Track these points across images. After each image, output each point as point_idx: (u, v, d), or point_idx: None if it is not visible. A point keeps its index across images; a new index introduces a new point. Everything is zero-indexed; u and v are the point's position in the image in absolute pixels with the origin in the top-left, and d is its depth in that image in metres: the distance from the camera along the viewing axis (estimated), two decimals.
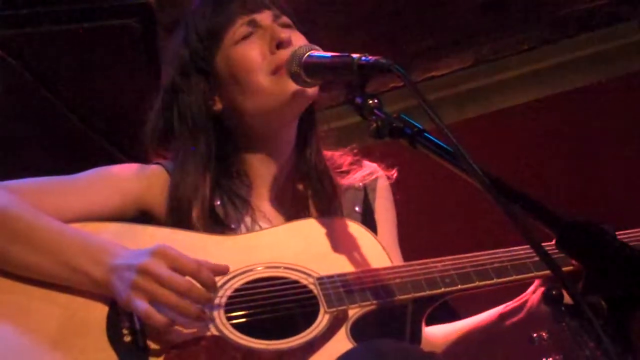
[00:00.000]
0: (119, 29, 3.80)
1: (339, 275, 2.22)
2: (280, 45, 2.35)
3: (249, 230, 2.37)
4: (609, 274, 1.53)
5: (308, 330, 2.13)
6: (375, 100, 2.03)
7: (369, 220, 2.46)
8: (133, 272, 2.05)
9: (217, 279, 2.13)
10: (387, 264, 2.28)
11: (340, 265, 2.25)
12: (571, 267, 2.10)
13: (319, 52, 2.26)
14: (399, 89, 4.52)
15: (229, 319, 2.13)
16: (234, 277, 2.19)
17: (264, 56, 2.35)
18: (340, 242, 2.30)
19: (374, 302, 2.17)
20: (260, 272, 2.22)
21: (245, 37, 2.38)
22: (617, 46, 5.06)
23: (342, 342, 2.11)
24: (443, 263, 2.26)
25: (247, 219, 2.38)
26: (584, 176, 4.87)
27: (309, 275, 2.22)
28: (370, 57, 2.04)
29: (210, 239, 2.28)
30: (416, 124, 1.94)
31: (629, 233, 2.28)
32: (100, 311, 2.13)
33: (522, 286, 2.32)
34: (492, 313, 2.41)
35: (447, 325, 2.50)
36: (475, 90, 5.11)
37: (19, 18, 3.76)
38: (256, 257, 2.24)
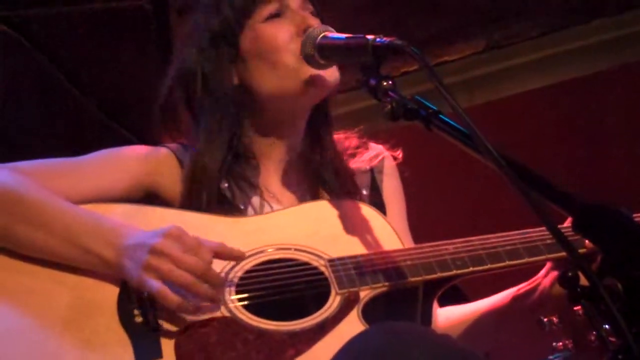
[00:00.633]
0: (130, 11, 3.80)
1: (350, 257, 2.21)
2: (307, 30, 2.33)
3: (256, 211, 2.36)
4: (625, 256, 1.52)
5: (319, 312, 2.13)
6: (390, 82, 2.02)
7: (377, 202, 2.45)
8: (146, 253, 2.05)
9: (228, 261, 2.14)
10: (398, 246, 2.27)
11: (351, 247, 2.25)
12: (584, 250, 2.10)
13: (333, 34, 2.25)
14: (410, 74, 4.51)
15: (240, 300, 2.13)
16: (245, 258, 2.18)
17: (292, 38, 2.33)
18: (351, 224, 2.29)
19: (385, 284, 2.17)
20: (271, 254, 2.22)
21: (273, 16, 2.37)
22: (629, 33, 5.04)
23: (353, 323, 2.11)
24: (454, 245, 2.25)
25: (255, 200, 2.38)
26: (595, 163, 4.86)
27: (320, 257, 2.22)
28: (385, 39, 2.03)
29: (221, 220, 2.27)
30: (431, 106, 1.94)
31: None
32: (110, 292, 2.13)
33: (533, 269, 2.31)
34: (505, 295, 2.41)
35: (460, 307, 2.50)
36: (486, 76, 5.10)
37: None
38: (267, 238, 2.24)
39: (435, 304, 2.49)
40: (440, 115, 1.92)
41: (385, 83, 2.02)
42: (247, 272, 2.17)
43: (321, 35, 2.24)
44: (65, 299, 2.12)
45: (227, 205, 2.34)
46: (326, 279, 2.18)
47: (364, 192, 2.47)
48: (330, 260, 2.21)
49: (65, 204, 2.19)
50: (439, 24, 4.82)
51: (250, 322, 2.10)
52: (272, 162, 2.45)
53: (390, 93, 2.00)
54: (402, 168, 2.60)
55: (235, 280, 2.15)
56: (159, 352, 2.05)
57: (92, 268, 2.14)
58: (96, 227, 2.14)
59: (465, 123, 1.78)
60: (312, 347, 2.07)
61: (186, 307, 2.06)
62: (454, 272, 2.22)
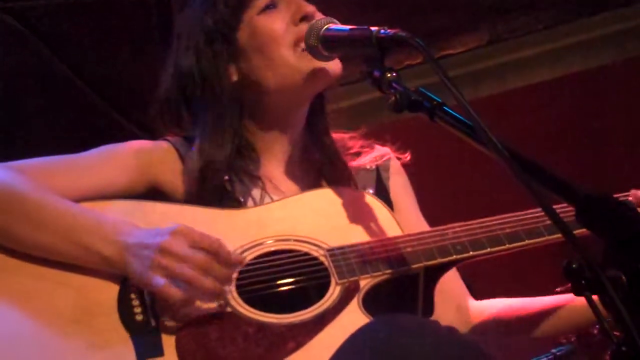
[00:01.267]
0: (133, 3, 3.80)
1: (350, 246, 2.21)
2: (304, 18, 2.33)
3: (256, 203, 2.36)
4: (629, 248, 1.52)
5: (320, 303, 2.13)
6: (394, 74, 2.01)
7: (384, 200, 2.44)
8: (152, 251, 2.04)
9: None
10: (399, 233, 2.27)
11: (351, 236, 2.24)
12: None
13: (337, 25, 2.24)
14: (413, 67, 4.50)
15: (240, 293, 2.13)
16: (244, 251, 2.19)
17: (287, 27, 2.33)
18: (351, 213, 2.29)
19: (386, 272, 2.17)
20: (270, 246, 2.21)
21: (269, 7, 2.36)
22: (634, 26, 5.03)
23: (354, 313, 2.11)
24: (454, 230, 2.25)
25: (256, 193, 2.37)
26: (599, 155, 4.85)
27: (319, 247, 2.21)
28: (389, 30, 2.03)
29: (220, 213, 2.27)
30: (435, 98, 1.93)
31: None
32: (111, 291, 2.13)
33: (533, 250, 2.30)
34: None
35: (505, 300, 2.49)
36: (490, 69, 5.09)
37: None
38: (266, 230, 2.24)
39: (469, 295, 2.49)
40: (445, 107, 1.92)
41: (389, 75, 2.02)
42: (247, 265, 2.17)
43: (325, 27, 2.23)
44: (67, 299, 2.12)
45: (227, 198, 2.34)
46: (326, 269, 2.18)
47: (370, 190, 2.46)
48: (330, 250, 2.20)
49: (65, 202, 2.18)
50: (443, 16, 4.82)
51: (250, 315, 2.10)
52: (274, 155, 2.44)
53: (394, 85, 2.00)
54: (404, 155, 2.60)
55: (235, 274, 2.15)
56: (160, 350, 2.05)
57: (93, 266, 2.13)
58: (96, 225, 2.13)
59: (469, 115, 1.78)
60: (313, 339, 2.07)
61: (189, 302, 2.05)
62: (454, 257, 2.21)
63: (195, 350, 2.05)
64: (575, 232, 1.63)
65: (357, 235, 2.24)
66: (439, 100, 1.93)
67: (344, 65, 2.37)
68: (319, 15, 2.35)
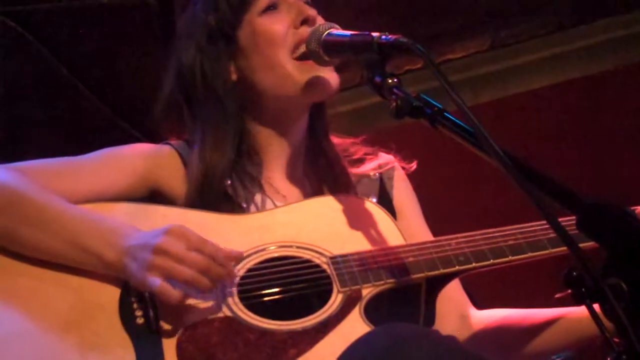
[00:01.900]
0: (135, 7, 3.80)
1: (352, 254, 2.21)
2: (305, 21, 2.33)
3: (259, 208, 2.36)
4: (630, 256, 1.52)
5: (321, 310, 2.13)
6: (395, 80, 2.02)
7: (387, 209, 2.43)
8: (149, 252, 2.04)
9: None
10: (401, 242, 2.27)
11: (354, 244, 2.24)
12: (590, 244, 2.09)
13: (338, 31, 2.24)
14: (414, 72, 4.50)
15: (242, 299, 2.12)
16: (246, 257, 2.18)
17: (288, 30, 2.33)
18: (353, 221, 2.29)
19: (388, 281, 2.17)
20: (273, 252, 2.21)
21: (270, 8, 2.36)
22: (635, 32, 5.03)
23: (355, 322, 2.11)
24: (457, 241, 2.25)
25: (258, 198, 2.37)
26: (599, 162, 4.85)
27: (322, 254, 2.21)
28: (390, 36, 2.03)
29: (223, 218, 2.27)
30: (436, 104, 1.93)
31: None
32: (112, 293, 2.13)
33: (536, 263, 2.30)
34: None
35: (507, 310, 2.48)
36: (491, 74, 5.08)
37: None
38: (269, 236, 2.24)
39: (470, 304, 2.49)
40: (446, 114, 1.92)
41: (390, 80, 2.02)
42: (249, 270, 2.17)
43: (326, 32, 2.23)
44: (68, 301, 2.12)
45: (229, 203, 2.33)
46: (328, 276, 2.17)
47: (373, 198, 2.46)
48: (333, 258, 2.20)
49: (65, 204, 2.18)
50: (444, 22, 4.82)
51: (251, 321, 2.10)
52: (275, 159, 2.44)
53: (395, 90, 2.00)
54: (409, 164, 2.60)
55: (237, 279, 2.15)
56: (160, 354, 2.05)
57: (92, 269, 2.13)
58: (96, 228, 2.13)
59: (470, 121, 1.78)
60: (314, 347, 2.07)
61: (187, 303, 2.05)
62: (457, 268, 2.21)
63: (196, 354, 2.05)
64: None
65: (359, 243, 2.24)
66: (440, 106, 1.93)
67: (345, 70, 2.37)
68: (320, 19, 2.35)
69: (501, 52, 5.03)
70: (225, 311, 2.11)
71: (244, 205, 2.35)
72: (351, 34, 2.16)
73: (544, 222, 2.19)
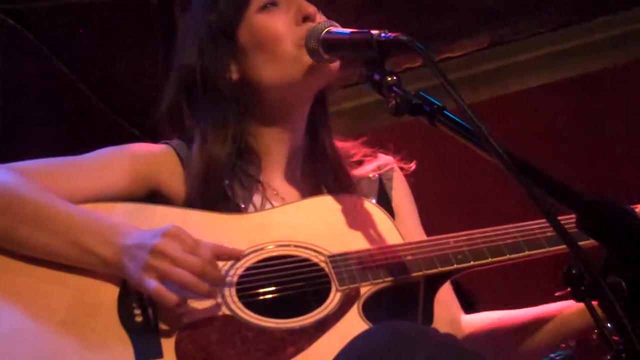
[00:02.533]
0: (136, 5, 3.80)
1: (351, 253, 2.21)
2: (306, 18, 2.33)
3: (257, 209, 2.35)
4: (629, 254, 1.52)
5: (320, 309, 2.12)
6: (394, 77, 2.01)
7: (385, 210, 2.43)
8: (146, 253, 2.04)
9: None
10: (399, 241, 2.26)
11: (352, 242, 2.24)
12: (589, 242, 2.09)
13: (337, 29, 2.24)
14: (413, 70, 4.50)
15: (241, 298, 2.12)
16: (245, 256, 2.18)
17: (289, 27, 2.33)
18: (352, 220, 2.29)
19: (386, 279, 2.17)
20: (271, 251, 2.21)
21: (270, 5, 2.36)
22: (634, 30, 5.04)
23: (354, 320, 2.11)
24: (455, 239, 2.25)
25: (257, 198, 2.37)
26: (598, 160, 4.85)
27: (320, 253, 2.21)
28: (390, 34, 2.02)
29: (221, 218, 2.26)
30: (436, 102, 1.93)
31: None
32: (111, 292, 2.12)
33: (534, 262, 2.30)
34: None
35: (491, 313, 2.48)
36: (490, 72, 5.09)
37: None
38: (267, 235, 2.23)
39: (461, 310, 2.49)
40: (445, 112, 1.91)
41: (389, 78, 2.01)
42: (247, 269, 2.17)
43: (325, 30, 2.23)
44: (66, 300, 2.11)
45: (227, 203, 2.33)
46: (326, 275, 2.17)
47: (372, 199, 2.45)
48: (331, 256, 2.20)
49: (65, 204, 2.18)
50: (443, 20, 4.82)
51: (250, 319, 2.09)
52: (274, 158, 2.43)
53: (394, 88, 1.99)
54: (408, 164, 2.60)
55: (235, 278, 2.15)
56: (159, 352, 2.04)
57: (91, 268, 2.13)
58: (95, 227, 2.13)
59: (469, 119, 1.77)
60: (312, 345, 2.07)
61: (183, 306, 2.05)
62: (455, 266, 2.21)
63: (195, 352, 2.05)
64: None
65: (357, 242, 2.24)
66: (440, 104, 1.93)
67: (345, 68, 2.36)
68: (320, 16, 2.35)
69: (500, 50, 5.04)
70: (224, 309, 2.10)
71: (243, 206, 2.34)
72: (350, 32, 2.16)
73: (543, 220, 2.21)
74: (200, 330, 2.07)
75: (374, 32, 2.05)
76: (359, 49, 2.12)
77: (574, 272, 1.54)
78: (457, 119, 1.88)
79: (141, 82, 3.90)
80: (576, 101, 4.99)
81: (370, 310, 2.13)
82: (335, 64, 2.33)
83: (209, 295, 2.06)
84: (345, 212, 2.29)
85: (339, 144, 2.51)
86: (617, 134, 4.92)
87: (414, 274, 2.19)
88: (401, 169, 2.57)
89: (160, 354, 2.04)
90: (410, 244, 2.25)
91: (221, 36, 2.38)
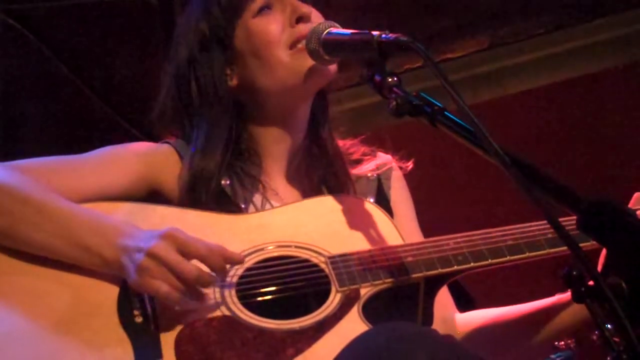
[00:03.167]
0: (136, 5, 3.80)
1: (351, 254, 2.20)
2: (300, 19, 2.33)
3: (257, 208, 2.35)
4: (630, 255, 1.51)
5: (320, 310, 2.12)
6: (395, 78, 2.01)
7: (384, 209, 2.43)
8: (142, 255, 2.03)
9: None
10: (400, 242, 2.26)
11: (352, 243, 2.24)
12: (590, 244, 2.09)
13: (338, 30, 2.24)
14: (413, 70, 4.50)
15: (240, 298, 2.12)
16: (245, 256, 2.18)
17: (284, 29, 2.32)
18: (352, 221, 2.28)
19: (386, 280, 2.16)
20: (271, 252, 2.21)
21: (264, 9, 2.35)
22: (634, 31, 5.04)
23: (354, 321, 2.10)
24: (455, 241, 2.24)
25: (257, 198, 2.37)
26: (598, 161, 4.85)
27: (320, 254, 2.21)
28: (390, 35, 2.02)
29: (221, 218, 2.26)
30: (436, 103, 1.93)
31: None
32: (111, 292, 2.12)
33: (534, 263, 2.30)
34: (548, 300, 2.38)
35: (483, 312, 2.48)
36: (491, 73, 5.10)
37: None
38: (267, 236, 2.23)
39: (455, 309, 2.49)
40: (446, 112, 1.91)
41: (390, 79, 2.01)
42: (248, 270, 2.16)
43: (326, 31, 2.23)
44: (67, 299, 2.11)
45: (227, 203, 2.33)
46: (326, 276, 2.17)
47: (370, 199, 2.46)
48: (331, 257, 2.20)
49: (67, 203, 2.17)
50: (443, 21, 4.82)
51: (250, 320, 2.09)
52: (275, 159, 2.44)
53: (395, 89, 1.99)
54: (406, 163, 2.60)
55: (235, 278, 2.15)
56: (158, 352, 2.04)
57: (92, 267, 2.13)
58: (96, 226, 2.13)
59: (470, 120, 1.77)
60: (312, 346, 2.06)
61: (186, 304, 2.05)
62: (455, 267, 2.20)
63: (194, 353, 2.04)
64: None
65: (357, 243, 2.24)
66: (440, 105, 1.93)
67: (345, 69, 2.36)
68: (315, 16, 2.35)
69: (500, 51, 5.05)
70: (224, 310, 2.10)
71: (243, 206, 2.34)
72: (351, 33, 2.16)
73: (543, 222, 2.21)
74: (199, 331, 2.07)
75: (375, 33, 2.05)
76: (359, 49, 2.12)
77: (574, 273, 1.53)
78: (457, 120, 1.88)
79: (141, 82, 3.89)
80: (576, 102, 4.99)
81: (370, 311, 2.13)
82: (333, 67, 2.33)
83: (200, 299, 2.06)
84: (346, 212, 2.29)
85: (338, 142, 2.51)
86: (618, 135, 4.92)
87: (414, 275, 2.18)
88: (400, 168, 2.57)
89: (160, 355, 2.04)
90: (410, 245, 2.25)
91: (215, 45, 2.38)
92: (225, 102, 2.37)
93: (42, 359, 2.04)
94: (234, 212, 2.31)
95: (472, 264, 2.21)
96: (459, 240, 2.25)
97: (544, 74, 5.09)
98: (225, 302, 2.11)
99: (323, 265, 2.19)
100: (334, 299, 2.13)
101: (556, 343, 2.46)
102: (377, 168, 2.53)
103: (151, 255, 2.03)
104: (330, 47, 2.23)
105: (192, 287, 2.04)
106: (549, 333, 2.35)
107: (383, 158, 2.56)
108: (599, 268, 1.69)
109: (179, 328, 2.07)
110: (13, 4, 3.84)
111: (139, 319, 2.08)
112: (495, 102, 5.00)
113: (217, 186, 2.33)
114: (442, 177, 4.68)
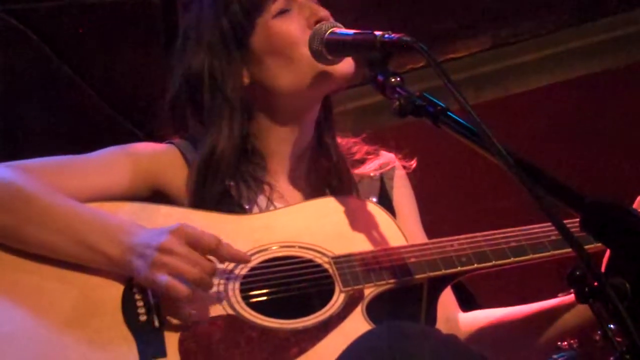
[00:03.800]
0: (138, 5, 3.80)
1: (354, 255, 2.21)
2: (319, 22, 2.32)
3: (261, 209, 2.35)
4: (633, 256, 1.52)
5: (323, 310, 2.12)
6: (398, 78, 2.01)
7: (387, 209, 2.42)
8: (154, 250, 2.04)
9: None
10: (403, 243, 2.27)
11: (356, 244, 2.24)
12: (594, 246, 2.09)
13: (341, 30, 2.24)
14: (417, 70, 4.51)
15: (244, 298, 2.13)
16: (250, 256, 2.18)
17: (303, 31, 2.32)
18: (356, 221, 2.29)
19: (390, 281, 2.17)
20: (275, 252, 2.21)
21: (283, 11, 2.35)
22: (636, 31, 5.04)
23: (357, 321, 2.11)
24: (459, 242, 2.25)
25: (261, 199, 2.37)
26: (600, 161, 4.85)
27: (324, 254, 2.21)
28: (393, 35, 2.03)
29: (226, 218, 2.26)
30: (439, 103, 1.93)
31: None
32: (115, 290, 2.13)
33: (538, 265, 2.30)
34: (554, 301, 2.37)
35: (486, 311, 2.48)
36: (493, 74, 5.10)
37: None
38: (272, 236, 2.24)
39: (458, 309, 2.50)
40: (449, 112, 1.91)
41: (393, 79, 2.01)
42: (252, 269, 2.17)
43: (329, 31, 2.23)
44: (71, 298, 2.11)
45: (231, 204, 2.33)
46: (330, 276, 2.17)
47: (373, 198, 2.46)
48: (335, 258, 2.20)
49: (71, 202, 2.18)
50: (446, 21, 4.82)
51: (253, 320, 2.10)
52: (280, 160, 2.44)
53: (398, 89, 1.99)
54: (410, 162, 2.59)
55: (239, 278, 2.15)
56: (163, 351, 2.05)
57: (98, 266, 2.13)
58: (102, 226, 2.13)
59: (473, 120, 1.77)
60: (315, 345, 2.07)
61: (193, 300, 2.05)
62: (459, 269, 2.21)
63: (198, 352, 2.05)
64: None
65: (361, 243, 2.24)
66: (443, 105, 1.93)
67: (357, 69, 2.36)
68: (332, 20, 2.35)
69: (503, 51, 5.05)
70: (228, 309, 2.11)
71: (247, 207, 2.35)
72: (354, 33, 2.16)
73: (547, 224, 2.21)
74: (203, 330, 2.07)
75: (378, 33, 2.06)
76: (362, 49, 2.12)
77: (578, 273, 1.54)
78: (460, 120, 1.88)
79: (143, 82, 3.90)
80: (578, 102, 4.99)
81: (373, 311, 2.13)
82: (351, 65, 2.32)
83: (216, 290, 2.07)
84: (349, 213, 2.29)
85: (340, 142, 2.51)
86: (620, 135, 4.92)
87: (418, 276, 2.19)
88: (404, 167, 2.57)
89: (164, 353, 2.05)
90: (413, 246, 2.25)
91: (232, 42, 2.37)
92: (237, 101, 2.37)
93: (47, 357, 2.04)
94: (238, 212, 2.31)
95: (475, 266, 2.22)
96: (462, 241, 2.25)
97: (546, 74, 5.09)
98: (229, 302, 2.12)
99: (327, 266, 2.19)
100: (338, 299, 2.14)
101: (559, 343, 2.46)
102: (380, 167, 2.53)
103: (164, 250, 2.04)
104: (333, 47, 2.22)
105: (206, 278, 2.04)
106: (553, 333, 2.35)
107: (386, 157, 2.56)
108: (603, 269, 1.69)
109: (183, 327, 2.08)
110: (15, 4, 3.85)
111: (143, 318, 2.09)
112: (498, 102, 5.00)
113: (222, 186, 2.33)
114: (445, 177, 4.68)
